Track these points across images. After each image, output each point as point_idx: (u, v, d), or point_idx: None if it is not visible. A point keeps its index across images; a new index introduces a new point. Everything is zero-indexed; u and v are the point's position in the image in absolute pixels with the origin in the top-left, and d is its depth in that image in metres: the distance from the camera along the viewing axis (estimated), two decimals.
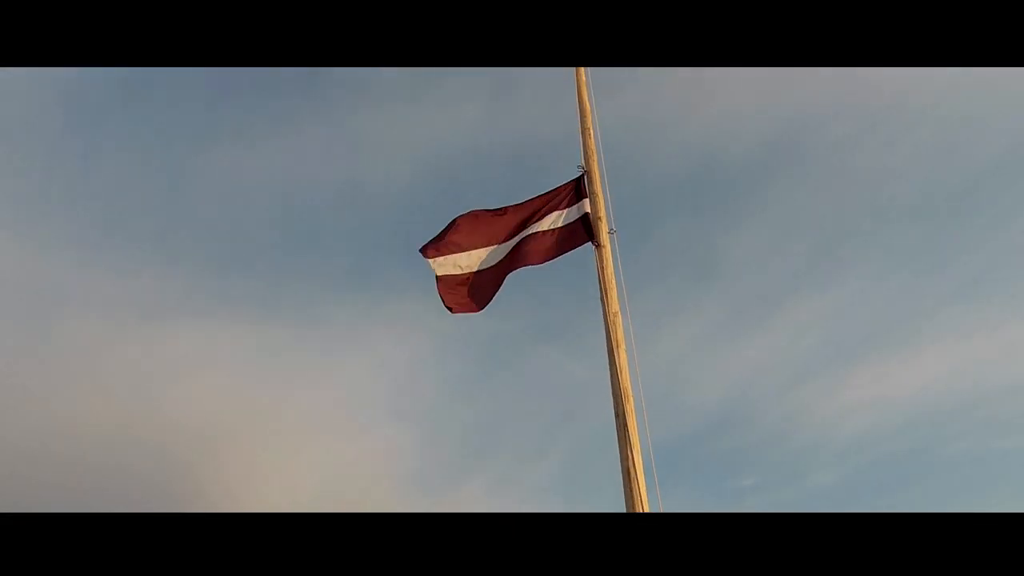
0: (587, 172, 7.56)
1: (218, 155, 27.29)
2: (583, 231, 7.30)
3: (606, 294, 6.89)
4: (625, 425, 6.31)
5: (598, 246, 7.17)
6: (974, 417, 21.36)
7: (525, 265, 7.52)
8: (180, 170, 26.94)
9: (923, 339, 22.71)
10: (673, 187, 25.64)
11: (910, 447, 21.68)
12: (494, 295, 7.63)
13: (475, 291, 7.58)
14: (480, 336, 25.35)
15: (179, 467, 21.16)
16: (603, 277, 6.99)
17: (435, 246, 7.60)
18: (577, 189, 7.51)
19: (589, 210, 7.34)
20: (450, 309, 7.58)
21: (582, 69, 8.03)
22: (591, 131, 7.74)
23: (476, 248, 7.61)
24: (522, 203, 7.64)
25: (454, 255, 7.59)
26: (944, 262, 23.47)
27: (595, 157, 7.63)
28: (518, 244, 7.56)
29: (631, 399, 6.43)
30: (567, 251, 7.40)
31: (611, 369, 6.63)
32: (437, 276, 7.56)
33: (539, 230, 7.49)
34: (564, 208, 7.48)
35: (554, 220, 7.48)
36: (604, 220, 7.28)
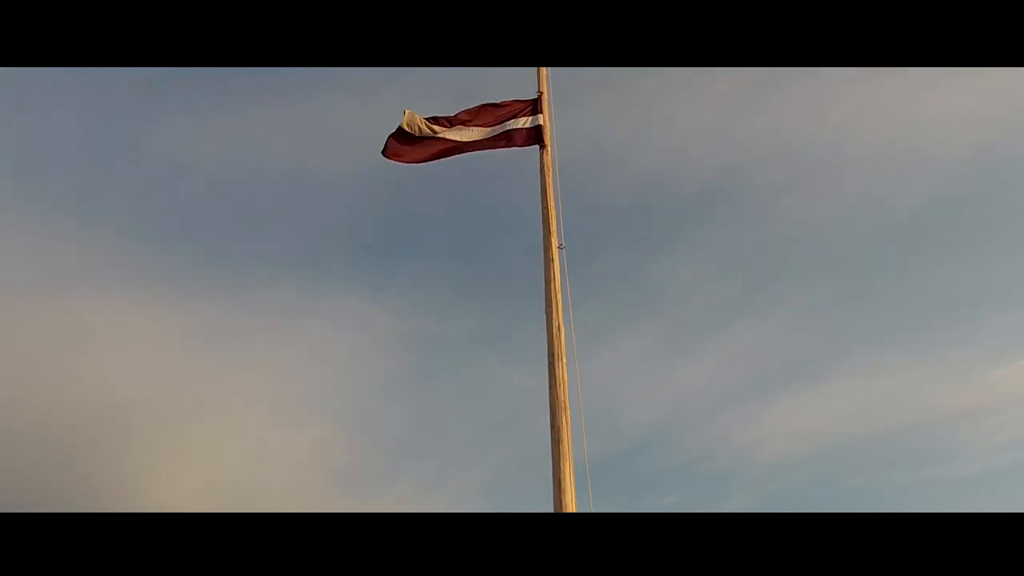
0: (542, 180, 7.76)
1: (161, 123, 26.10)
2: (535, 137, 8.12)
3: (552, 307, 7.00)
4: (560, 437, 6.42)
5: (543, 147, 7.99)
6: (873, 452, 22.82)
7: (478, 149, 8.30)
8: (118, 132, 25.59)
9: (835, 377, 24.15)
10: (621, 212, 26.14)
11: (818, 477, 22.88)
12: (436, 159, 8.33)
13: (420, 151, 8.32)
14: (422, 337, 25.14)
15: (82, 448, 19.95)
16: (549, 290, 7.10)
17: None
18: (534, 107, 8.31)
19: (542, 123, 8.14)
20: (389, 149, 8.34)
21: (543, 69, 8.20)
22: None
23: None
24: (483, 106, 8.38)
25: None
26: (859, 308, 25.18)
27: (551, 172, 7.80)
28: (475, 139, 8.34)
29: (568, 412, 6.54)
30: (519, 146, 8.20)
31: (550, 381, 6.74)
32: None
33: (496, 133, 8.29)
34: (523, 116, 8.31)
35: (513, 124, 8.27)
36: (554, 235, 7.41)
